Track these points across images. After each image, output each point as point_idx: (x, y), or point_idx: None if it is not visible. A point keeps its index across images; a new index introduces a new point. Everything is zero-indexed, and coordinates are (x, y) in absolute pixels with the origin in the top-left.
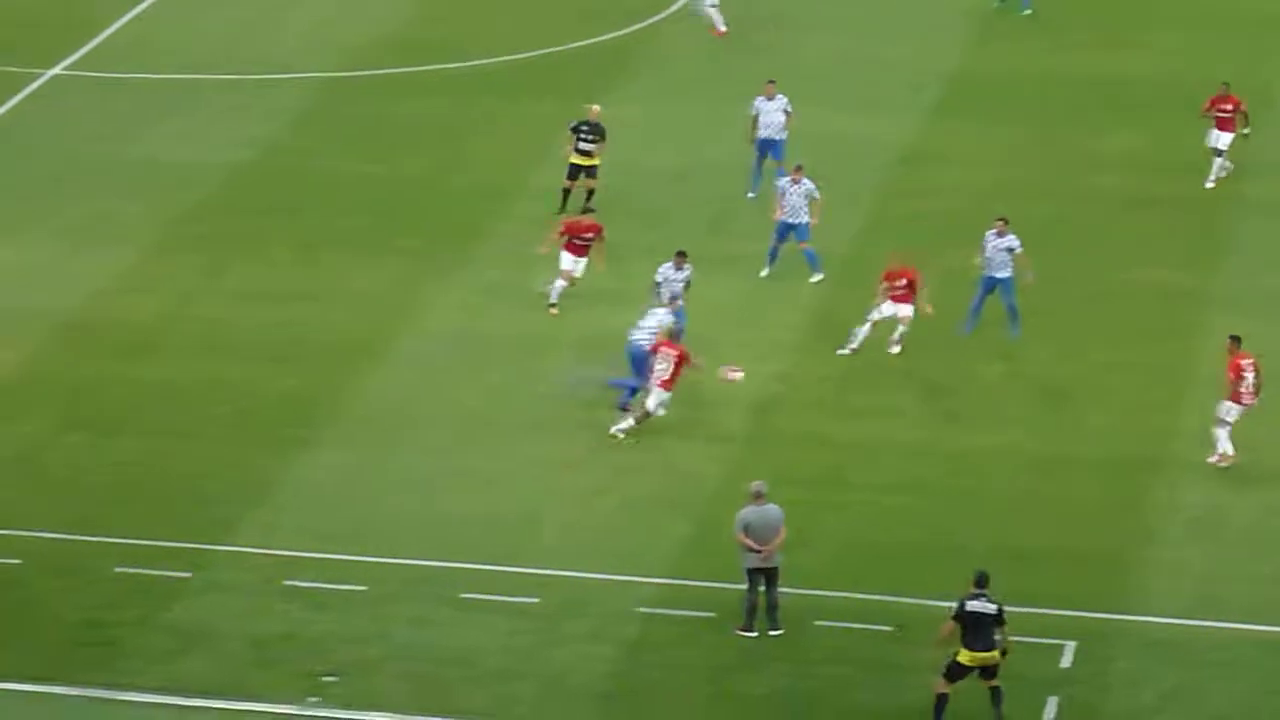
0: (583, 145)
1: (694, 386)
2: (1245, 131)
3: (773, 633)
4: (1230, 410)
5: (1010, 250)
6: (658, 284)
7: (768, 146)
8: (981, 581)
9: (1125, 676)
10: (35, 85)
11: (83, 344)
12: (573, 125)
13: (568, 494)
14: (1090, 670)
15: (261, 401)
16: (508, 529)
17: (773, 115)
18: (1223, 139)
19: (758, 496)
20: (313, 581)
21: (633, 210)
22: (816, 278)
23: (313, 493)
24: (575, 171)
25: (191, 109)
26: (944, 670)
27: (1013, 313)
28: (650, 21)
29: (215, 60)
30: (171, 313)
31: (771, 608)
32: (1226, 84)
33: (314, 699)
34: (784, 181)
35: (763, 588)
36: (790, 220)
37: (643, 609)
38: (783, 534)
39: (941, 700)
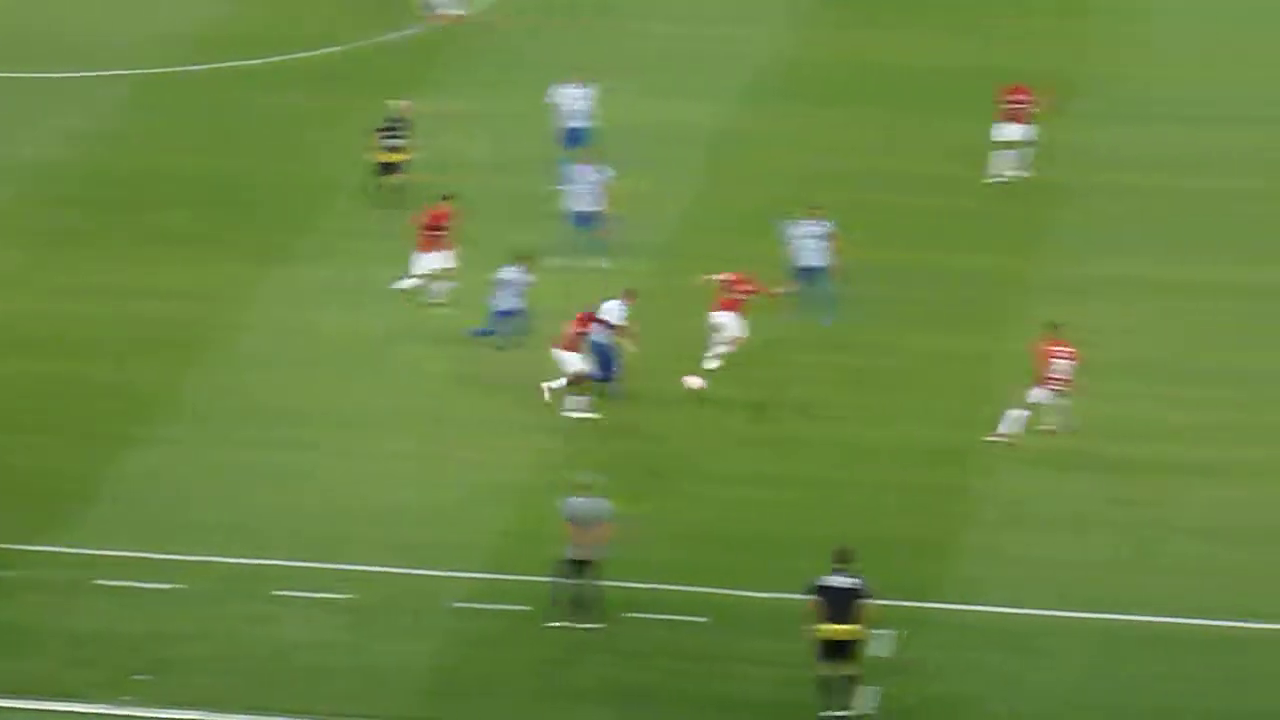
0: (390, 141)
1: (520, 378)
2: (1034, 126)
3: (592, 626)
4: (1037, 395)
5: (823, 237)
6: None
7: (573, 135)
8: (843, 557)
9: (945, 664)
10: None
11: None
12: (382, 123)
13: (387, 489)
14: (910, 658)
15: (82, 398)
16: (326, 525)
17: (577, 104)
18: (1012, 131)
19: (584, 488)
20: (129, 580)
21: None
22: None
23: (132, 490)
24: (388, 168)
25: (16, 104)
26: (815, 652)
27: (827, 301)
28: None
29: (40, 56)
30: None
31: (592, 601)
32: (1021, 78)
33: (128, 697)
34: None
35: (580, 579)
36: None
37: (461, 604)
38: (607, 527)
39: (823, 683)
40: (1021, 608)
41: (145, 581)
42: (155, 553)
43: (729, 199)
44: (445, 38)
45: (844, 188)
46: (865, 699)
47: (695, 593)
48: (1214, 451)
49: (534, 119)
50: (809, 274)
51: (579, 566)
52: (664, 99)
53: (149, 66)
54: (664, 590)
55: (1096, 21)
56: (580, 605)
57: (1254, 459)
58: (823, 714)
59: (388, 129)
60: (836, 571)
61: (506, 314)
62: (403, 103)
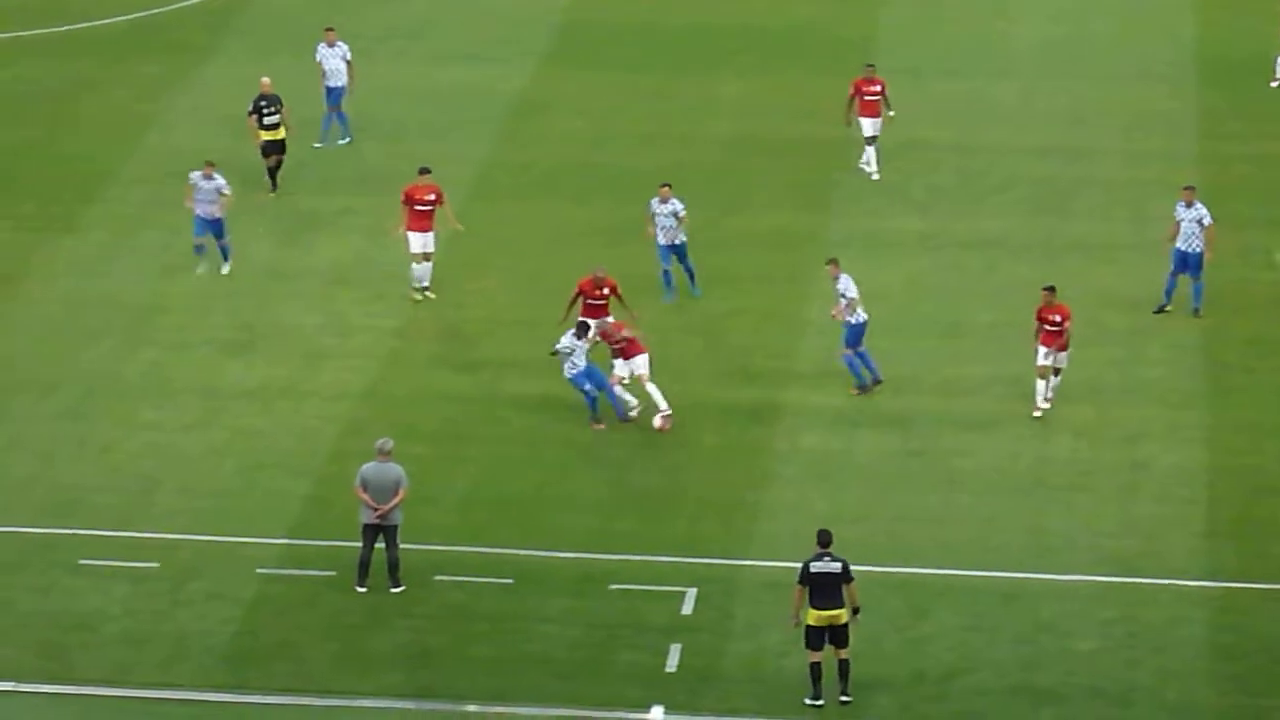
0: (268, 120)
1: (312, 343)
2: (890, 114)
3: (394, 590)
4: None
5: (676, 215)
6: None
7: (333, 94)
8: (825, 541)
9: (747, 621)
10: None
11: None
12: (252, 104)
13: (186, 457)
14: (712, 616)
15: None
16: (126, 494)
17: (334, 62)
18: (872, 125)
19: (381, 453)
20: None
21: (240, 171)
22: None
23: None
24: (269, 147)
25: None
26: (805, 640)
27: (690, 274)
28: None
29: None
30: None
31: (392, 566)
32: (872, 65)
33: None
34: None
35: (381, 545)
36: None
37: (263, 570)
38: (402, 493)
39: (815, 669)
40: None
41: None
42: None
43: (520, 162)
44: (228, 5)
45: (636, 147)
46: (670, 657)
47: (497, 553)
48: (995, 405)
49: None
50: (672, 252)
51: (377, 532)
52: (449, 62)
53: None
54: (466, 552)
55: None
56: (386, 571)
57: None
58: (810, 700)
59: (262, 108)
60: (819, 556)
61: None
62: (265, 79)
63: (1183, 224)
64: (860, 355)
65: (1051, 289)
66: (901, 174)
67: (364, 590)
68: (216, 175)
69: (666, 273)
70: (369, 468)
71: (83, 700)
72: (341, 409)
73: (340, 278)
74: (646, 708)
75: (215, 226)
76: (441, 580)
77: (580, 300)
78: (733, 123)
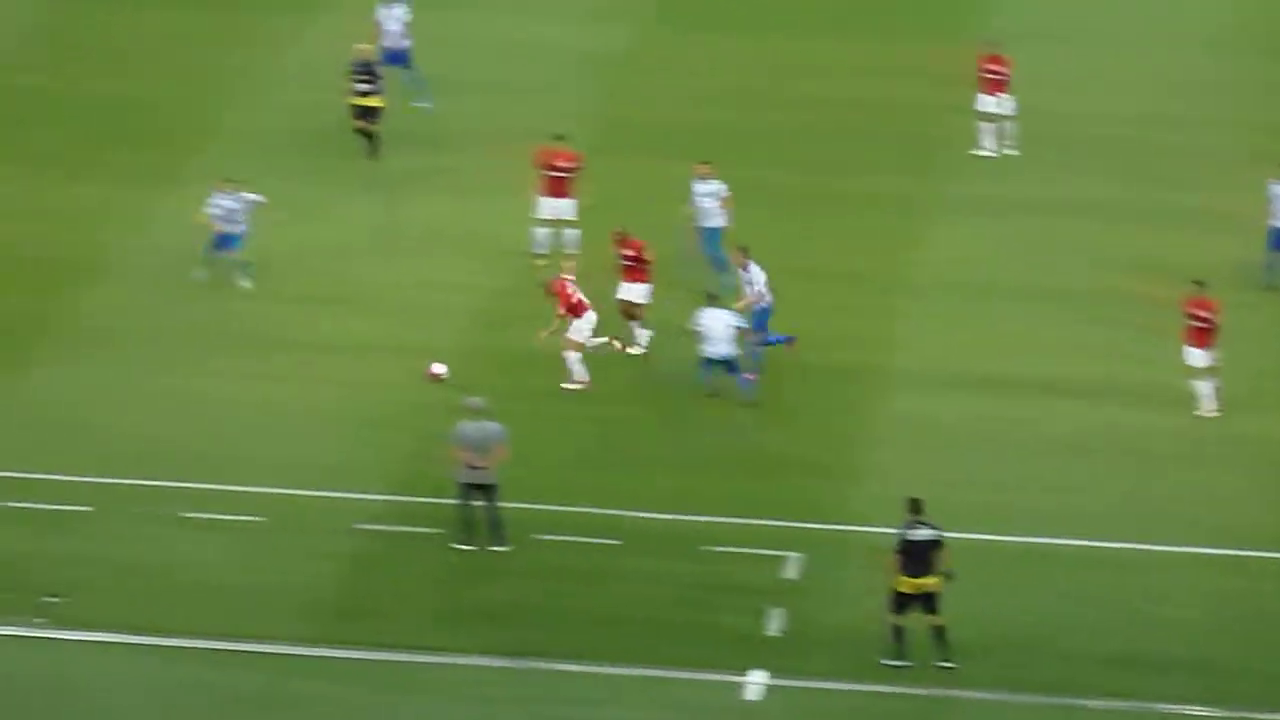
0: (360, 86)
1: (411, 301)
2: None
3: (498, 549)
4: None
5: (717, 196)
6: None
7: (392, 57)
8: (916, 508)
9: (849, 585)
10: None
11: None
12: (350, 71)
13: (288, 412)
14: (813, 580)
15: None
16: (228, 447)
17: (393, 23)
18: (997, 103)
19: (475, 411)
20: (34, 502)
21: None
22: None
23: (32, 413)
24: (363, 113)
25: None
26: (890, 603)
27: (719, 263)
28: None
29: None
30: None
31: (495, 524)
32: (996, 43)
33: (39, 620)
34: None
35: (480, 502)
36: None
37: (363, 525)
38: (502, 450)
39: (899, 631)
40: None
41: (52, 503)
42: (61, 474)
43: (624, 119)
44: None
45: (736, 107)
46: (772, 621)
47: (598, 514)
48: (1083, 369)
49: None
50: (709, 234)
51: (476, 490)
52: (551, 20)
53: None
54: (567, 511)
55: None
56: (484, 528)
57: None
58: (888, 661)
59: (359, 75)
60: (913, 524)
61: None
62: (362, 46)
63: (1275, 201)
64: (767, 341)
65: (1200, 283)
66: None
67: (465, 548)
68: (241, 192)
69: (716, 258)
70: (467, 426)
71: (182, 652)
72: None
73: (443, 235)
74: (744, 671)
75: (231, 242)
76: (541, 539)
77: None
78: (837, 83)
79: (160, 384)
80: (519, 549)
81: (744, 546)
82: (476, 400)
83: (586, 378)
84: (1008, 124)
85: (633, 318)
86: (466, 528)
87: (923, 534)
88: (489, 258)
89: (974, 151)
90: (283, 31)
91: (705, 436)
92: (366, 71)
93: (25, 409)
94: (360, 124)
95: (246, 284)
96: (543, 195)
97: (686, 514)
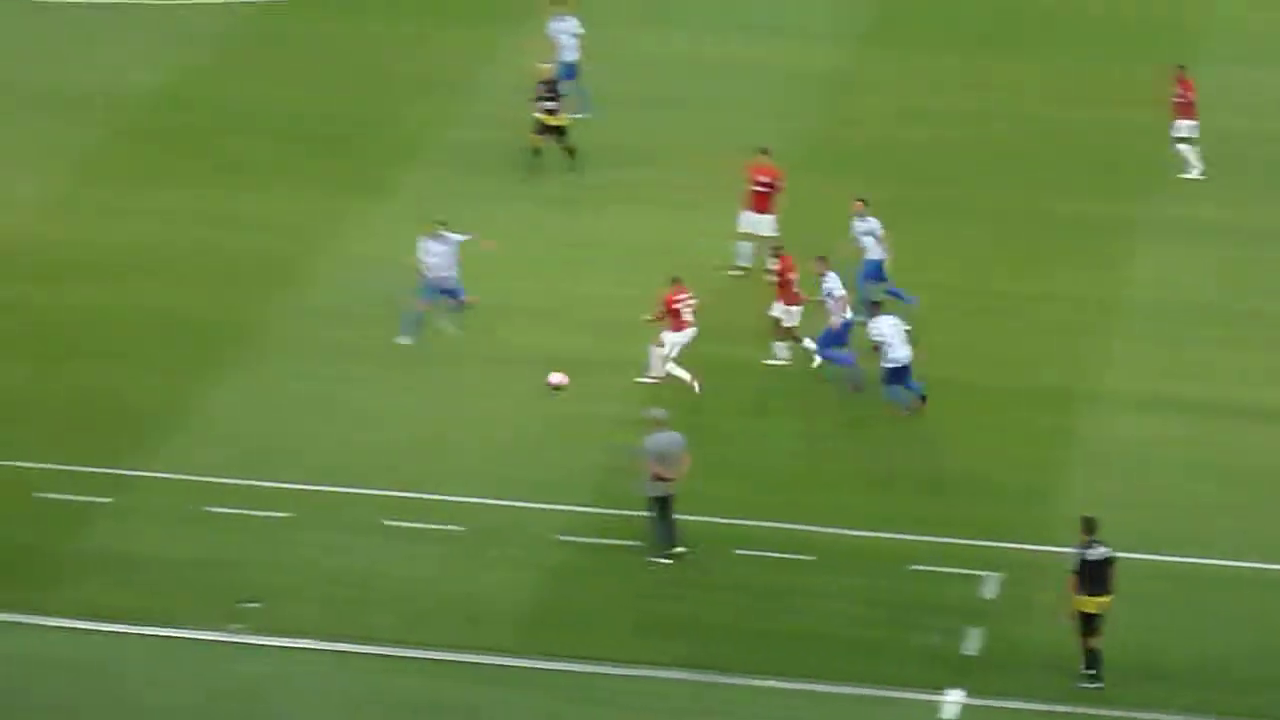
0: (547, 105)
1: (617, 315)
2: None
3: (677, 550)
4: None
5: (874, 233)
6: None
7: (567, 70)
8: (1091, 527)
9: (1047, 606)
10: None
11: (2, 268)
12: (537, 88)
13: (491, 422)
14: (1013, 602)
15: (183, 326)
16: (432, 456)
17: (564, 37)
18: (1190, 127)
19: (659, 423)
20: (234, 507)
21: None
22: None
23: (234, 418)
24: (549, 132)
25: (115, 33)
26: (1079, 625)
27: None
28: None
29: None
30: (90, 238)
31: (675, 534)
32: (1183, 67)
33: (236, 625)
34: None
35: (665, 513)
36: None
37: (564, 536)
38: (686, 460)
39: (1092, 655)
40: (1128, 551)
41: (252, 509)
42: (263, 480)
43: (833, 139)
44: None
45: (946, 126)
46: (969, 640)
47: (798, 530)
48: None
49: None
50: (870, 268)
51: (663, 501)
52: (765, 38)
53: None
54: (766, 527)
55: None
56: (666, 539)
57: None
58: (1083, 684)
59: (543, 94)
60: (1091, 543)
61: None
62: (544, 65)
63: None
64: (841, 358)
65: None
66: (1208, 162)
67: (669, 562)
68: (448, 233)
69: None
70: (656, 438)
71: (381, 660)
72: (631, 377)
73: (646, 249)
74: (940, 689)
75: (448, 286)
76: (741, 554)
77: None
78: (1045, 105)
79: (358, 394)
80: (718, 563)
81: (941, 565)
82: (659, 411)
83: (661, 373)
84: (1196, 146)
85: (783, 338)
86: (660, 540)
87: (1100, 553)
88: (687, 272)
89: (1181, 175)
90: (478, 44)
91: (900, 454)
92: (550, 90)
93: (224, 416)
94: (539, 140)
95: (452, 329)
96: (745, 209)
97: (882, 531)
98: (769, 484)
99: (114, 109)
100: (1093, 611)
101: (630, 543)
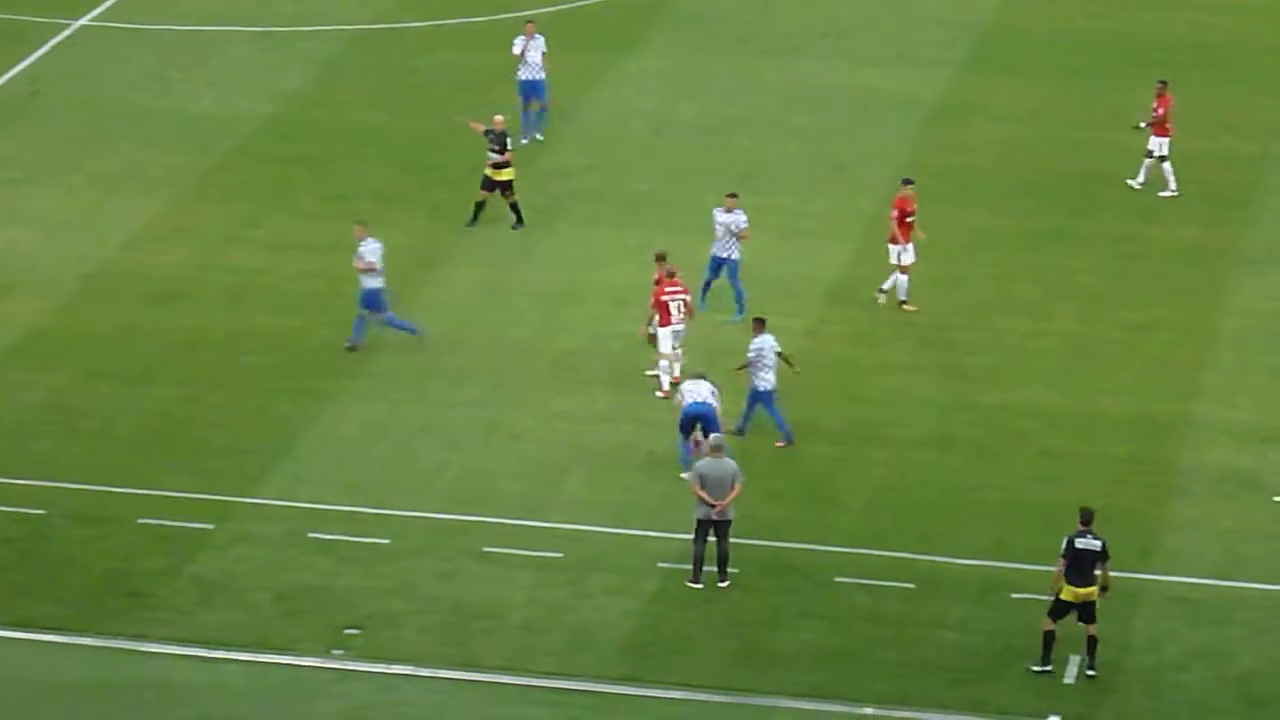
0: (496, 159)
1: (719, 341)
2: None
3: (721, 584)
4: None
5: (731, 228)
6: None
7: (529, 88)
8: (1087, 519)
9: (1148, 635)
10: (63, 35)
11: (112, 294)
12: (488, 142)
13: (594, 449)
14: (1112, 629)
15: (289, 352)
16: (534, 483)
17: (532, 55)
18: (1159, 145)
19: (715, 449)
20: (337, 534)
21: (661, 164)
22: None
23: (338, 445)
24: (496, 186)
25: (219, 60)
26: (1049, 608)
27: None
28: None
29: (243, 12)
30: (200, 263)
31: (722, 560)
32: (1164, 83)
33: (338, 651)
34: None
35: (713, 538)
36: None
37: (665, 564)
38: (737, 488)
39: (1049, 637)
40: (1227, 579)
41: (355, 536)
42: (365, 507)
43: (938, 166)
44: (654, 1)
45: (1050, 156)
46: (1070, 668)
47: (900, 558)
48: None
49: (744, 82)
50: (719, 264)
51: (710, 526)
52: (869, 65)
53: (360, 23)
54: (868, 555)
55: None
56: (702, 563)
57: None
58: (1037, 667)
59: (491, 147)
60: (1082, 534)
61: None
62: (497, 117)
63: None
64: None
65: None
66: None
67: (698, 586)
68: (369, 239)
69: (707, 284)
70: (705, 464)
71: (482, 686)
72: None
73: (752, 277)
74: (1044, 717)
75: (371, 299)
76: (843, 582)
77: None
78: (1142, 135)
79: (471, 418)
80: (820, 591)
81: (1041, 594)
82: (719, 438)
83: (666, 387)
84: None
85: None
86: (700, 565)
87: (1089, 544)
88: (799, 298)
89: (1160, 194)
90: (586, 70)
91: (998, 482)
92: (498, 142)
93: (327, 442)
94: (485, 195)
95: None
96: (890, 239)
97: (981, 559)
98: (870, 511)
99: (225, 136)
100: (1069, 600)
101: (733, 570)
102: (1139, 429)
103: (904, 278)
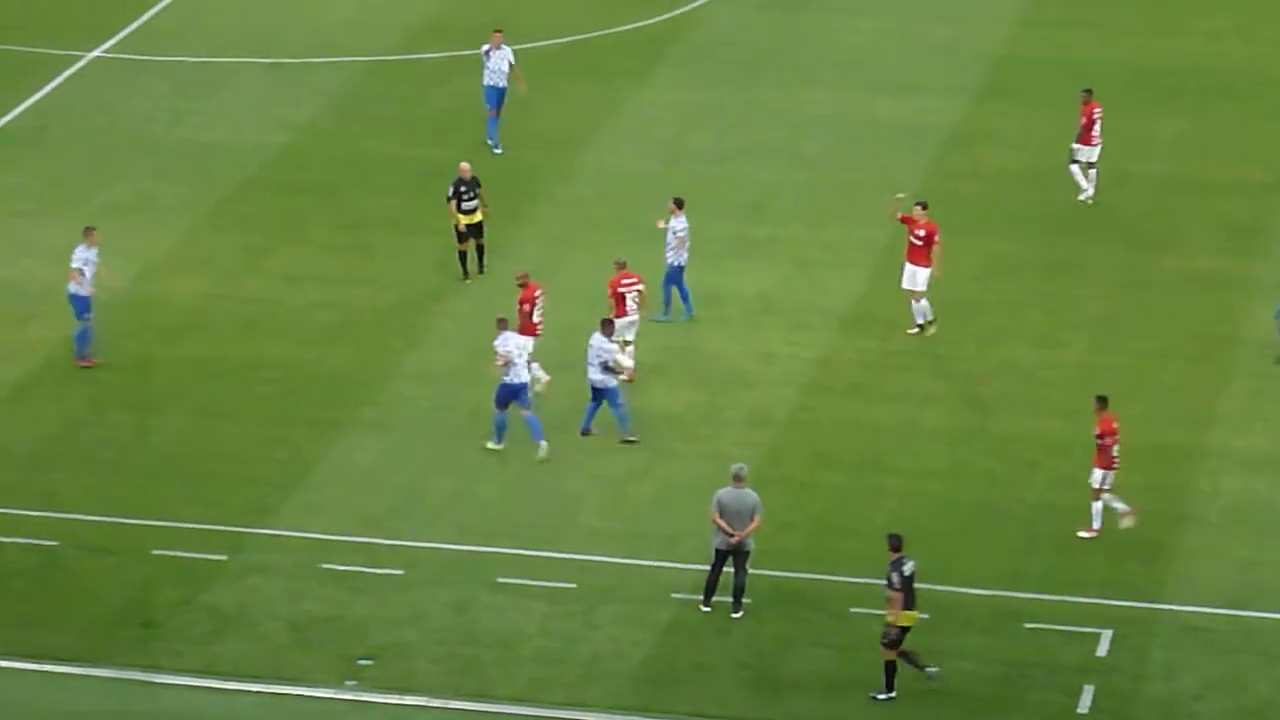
0: (466, 204)
1: (734, 370)
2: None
3: (735, 615)
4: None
5: (674, 233)
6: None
7: (492, 94)
8: (897, 545)
9: (1163, 664)
10: (77, 67)
11: (126, 324)
12: (452, 188)
13: (605, 479)
14: (1128, 658)
15: (302, 383)
16: (547, 514)
17: (498, 63)
18: (1084, 152)
19: (736, 479)
20: (351, 565)
21: (674, 194)
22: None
23: (351, 475)
24: (467, 231)
25: (232, 91)
26: (891, 639)
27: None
28: (692, 6)
29: (255, 43)
30: (213, 293)
31: (738, 591)
32: (1089, 91)
33: (351, 682)
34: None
35: (729, 569)
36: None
37: (678, 594)
38: (758, 519)
39: (891, 667)
40: (1242, 608)
41: (368, 567)
42: (378, 538)
43: (950, 195)
44: (676, 28)
45: (1064, 184)
46: (1084, 698)
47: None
48: None
49: (756, 112)
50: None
51: (728, 556)
52: (881, 94)
53: (371, 54)
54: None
55: None
56: (731, 594)
57: None
58: (879, 695)
59: (461, 193)
60: (903, 559)
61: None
62: (464, 164)
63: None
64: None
65: None
66: None
67: (708, 610)
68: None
69: (684, 293)
70: (725, 493)
71: (495, 717)
72: (762, 436)
73: (766, 306)
74: None
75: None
76: (857, 613)
77: None
78: (1166, 163)
79: (472, 451)
80: (835, 620)
81: (1056, 623)
82: (741, 467)
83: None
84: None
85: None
86: (712, 592)
87: (911, 568)
88: (815, 328)
89: (1077, 198)
90: (599, 101)
91: (1016, 513)
92: (470, 189)
93: (341, 473)
94: (463, 245)
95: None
96: (906, 261)
97: (997, 589)
98: (879, 541)
99: (237, 166)
100: (907, 625)
101: (747, 600)
102: (1153, 458)
103: (924, 302)
